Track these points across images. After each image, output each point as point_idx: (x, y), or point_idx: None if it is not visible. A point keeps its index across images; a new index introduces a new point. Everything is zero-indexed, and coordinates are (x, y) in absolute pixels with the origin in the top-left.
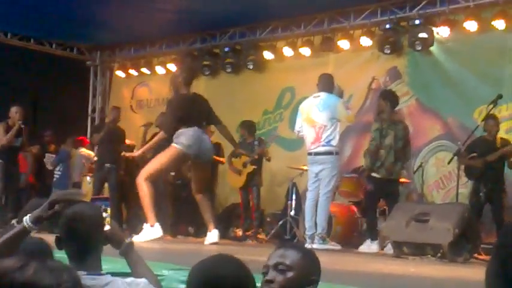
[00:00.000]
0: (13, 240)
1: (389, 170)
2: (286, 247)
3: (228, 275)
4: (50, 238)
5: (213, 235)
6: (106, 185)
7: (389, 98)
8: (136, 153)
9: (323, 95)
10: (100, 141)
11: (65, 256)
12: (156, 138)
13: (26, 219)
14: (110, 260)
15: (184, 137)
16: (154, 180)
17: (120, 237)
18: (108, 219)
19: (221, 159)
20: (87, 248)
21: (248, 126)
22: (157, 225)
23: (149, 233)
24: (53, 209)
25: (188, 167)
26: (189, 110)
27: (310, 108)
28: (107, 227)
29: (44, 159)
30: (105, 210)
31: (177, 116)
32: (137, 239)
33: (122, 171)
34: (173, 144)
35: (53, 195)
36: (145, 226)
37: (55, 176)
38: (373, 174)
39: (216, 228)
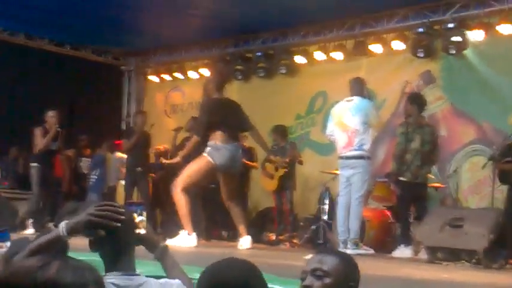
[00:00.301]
0: (46, 246)
1: (415, 173)
2: (324, 253)
3: (237, 278)
4: (84, 242)
5: (245, 241)
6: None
7: (417, 101)
8: (175, 160)
9: (356, 99)
10: (131, 148)
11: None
12: (190, 144)
13: (62, 226)
14: (144, 263)
15: (219, 156)
16: (190, 190)
17: (155, 240)
18: (144, 222)
19: (254, 164)
20: (119, 249)
21: (280, 131)
22: (194, 235)
23: (185, 240)
24: (93, 232)
25: None
26: (221, 114)
27: (343, 112)
28: (142, 231)
29: (80, 163)
30: (141, 214)
31: (208, 120)
32: (171, 242)
33: (152, 175)
34: (206, 156)
35: (89, 211)
36: (182, 232)
37: (91, 180)
38: (400, 178)
39: (248, 234)
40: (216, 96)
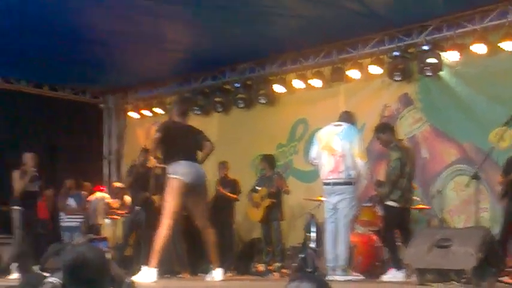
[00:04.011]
0: None
1: (407, 198)
2: (300, 279)
3: None
4: None
5: (217, 273)
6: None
7: (387, 128)
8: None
9: (345, 125)
10: (130, 185)
11: None
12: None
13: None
14: None
15: (179, 167)
16: (177, 218)
17: (121, 277)
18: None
19: (234, 196)
20: None
21: (269, 160)
22: (154, 270)
23: (144, 275)
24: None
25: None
26: (172, 135)
27: (331, 137)
28: None
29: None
30: (106, 251)
31: (160, 139)
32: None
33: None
34: (171, 176)
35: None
36: (143, 268)
37: (75, 220)
38: (389, 203)
39: (220, 266)
40: (176, 120)
